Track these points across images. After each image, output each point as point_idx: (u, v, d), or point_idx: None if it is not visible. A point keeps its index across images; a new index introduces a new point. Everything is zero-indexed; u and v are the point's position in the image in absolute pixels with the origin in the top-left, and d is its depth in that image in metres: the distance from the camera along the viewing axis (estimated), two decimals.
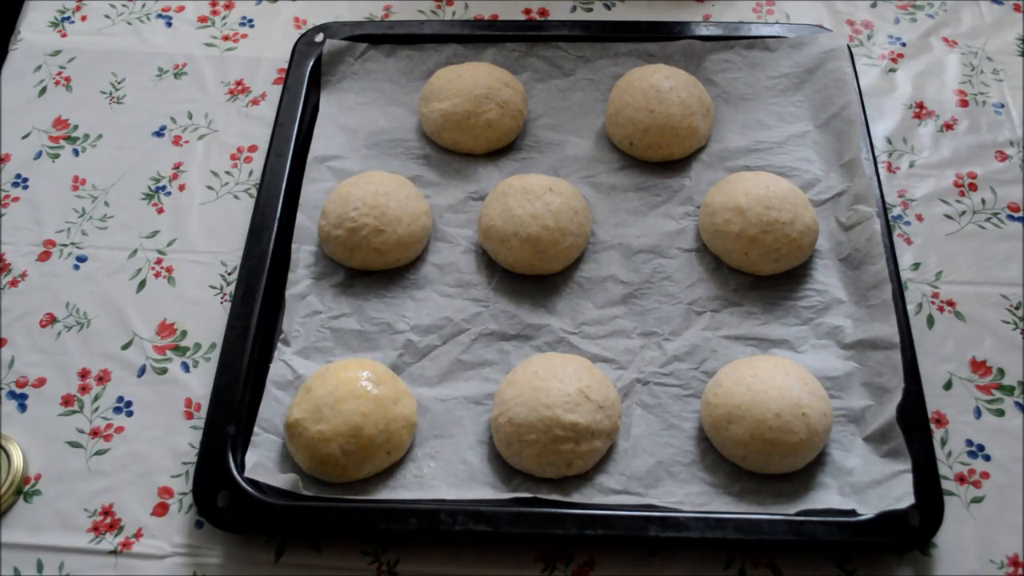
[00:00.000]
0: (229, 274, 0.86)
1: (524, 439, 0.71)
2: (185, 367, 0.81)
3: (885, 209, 0.84)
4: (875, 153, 0.87)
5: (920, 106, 0.95)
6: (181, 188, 0.91)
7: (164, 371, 0.81)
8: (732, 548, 0.71)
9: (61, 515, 0.74)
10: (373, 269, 0.84)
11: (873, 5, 1.03)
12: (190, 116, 0.96)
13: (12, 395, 0.80)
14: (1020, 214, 0.87)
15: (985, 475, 0.74)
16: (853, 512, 0.69)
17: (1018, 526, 0.72)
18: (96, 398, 0.79)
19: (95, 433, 0.78)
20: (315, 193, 0.87)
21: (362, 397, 0.73)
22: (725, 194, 0.83)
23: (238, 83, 0.98)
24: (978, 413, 0.77)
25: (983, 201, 0.88)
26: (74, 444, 0.77)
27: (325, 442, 0.71)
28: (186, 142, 0.94)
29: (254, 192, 0.90)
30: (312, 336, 0.80)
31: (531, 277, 0.83)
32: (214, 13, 1.04)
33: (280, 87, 0.95)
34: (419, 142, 0.92)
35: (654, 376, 0.78)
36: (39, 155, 0.94)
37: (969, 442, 0.76)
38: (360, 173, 0.87)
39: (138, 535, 0.73)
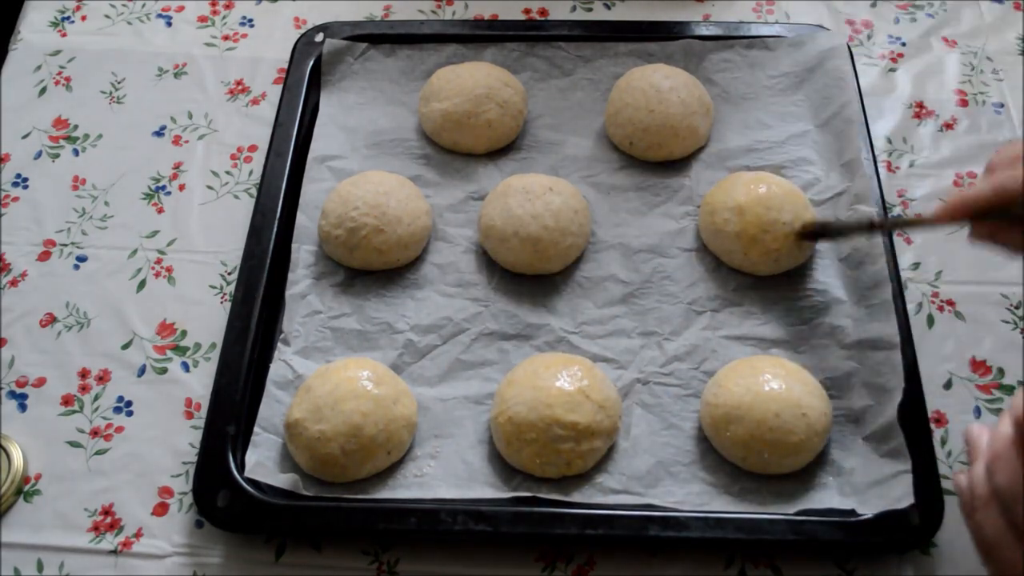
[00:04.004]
0: (229, 274, 0.86)
1: (524, 438, 0.71)
2: (185, 367, 0.81)
3: (885, 209, 0.84)
4: (875, 153, 0.87)
5: (920, 106, 0.95)
6: (181, 188, 0.91)
7: (164, 371, 0.81)
8: (732, 548, 0.71)
9: (61, 515, 0.74)
10: (373, 269, 0.84)
11: (873, 5, 1.03)
12: (190, 116, 0.96)
13: (12, 395, 0.80)
14: None
15: None
16: (853, 512, 0.69)
17: None
18: (96, 398, 0.79)
19: (95, 433, 0.78)
20: (315, 193, 0.87)
21: (362, 397, 0.73)
22: (725, 193, 0.83)
23: (238, 83, 0.98)
24: (978, 413, 0.77)
25: None
26: (74, 444, 0.77)
27: (325, 442, 0.72)
28: (186, 142, 0.94)
29: (254, 192, 0.90)
30: (312, 336, 0.80)
31: (531, 277, 0.83)
32: (214, 13, 1.04)
33: (280, 87, 0.95)
34: (419, 142, 0.92)
35: (654, 376, 0.78)
36: (39, 155, 0.94)
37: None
38: (360, 173, 0.87)
39: (138, 535, 0.73)
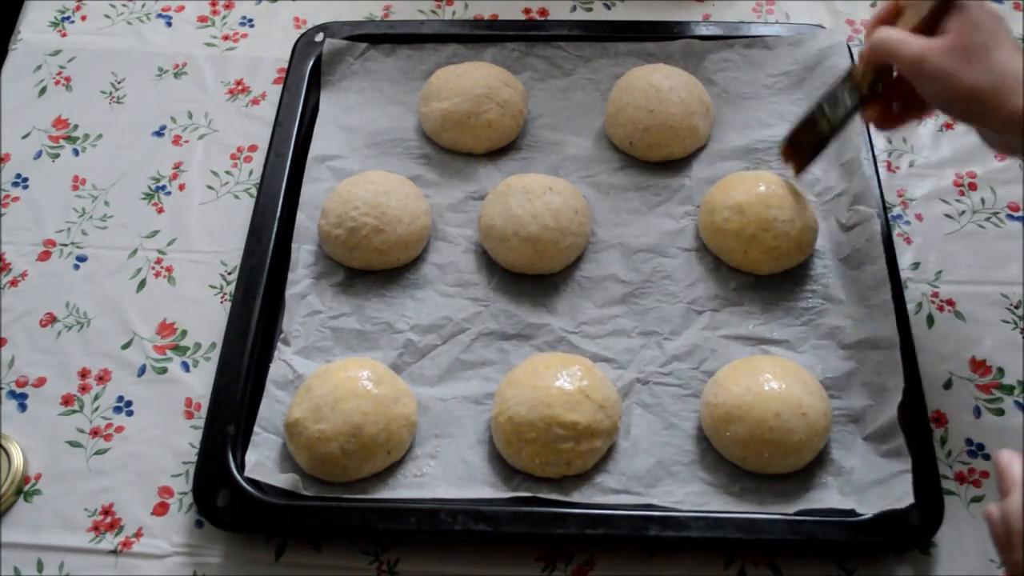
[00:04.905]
0: (229, 274, 0.86)
1: (524, 438, 0.71)
2: (185, 367, 0.81)
3: (885, 209, 0.84)
4: (875, 153, 0.87)
5: None
6: (181, 188, 0.91)
7: (164, 371, 0.81)
8: (732, 548, 0.71)
9: (61, 515, 0.74)
10: (373, 269, 0.84)
11: (873, 5, 1.03)
12: (190, 116, 0.96)
13: (12, 395, 0.80)
14: (1020, 214, 0.87)
15: (985, 474, 0.74)
16: (853, 512, 0.69)
17: None
18: (96, 398, 0.79)
19: (95, 433, 0.78)
20: (315, 193, 0.87)
21: (362, 397, 0.73)
22: (724, 193, 0.83)
23: (238, 83, 0.98)
24: (978, 412, 0.77)
25: (983, 201, 0.88)
26: (74, 444, 0.77)
27: (325, 442, 0.72)
28: (186, 142, 0.94)
29: (254, 192, 0.90)
30: (312, 336, 0.80)
31: (531, 277, 0.83)
32: (214, 13, 1.04)
33: (280, 87, 0.95)
34: (419, 142, 0.92)
35: (654, 376, 0.78)
36: (39, 155, 0.94)
37: (969, 441, 0.76)
38: (360, 173, 0.87)
39: (138, 535, 0.73)
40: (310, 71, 0.95)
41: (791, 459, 0.71)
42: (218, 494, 0.71)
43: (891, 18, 0.69)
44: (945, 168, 0.90)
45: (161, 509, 0.74)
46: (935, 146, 0.92)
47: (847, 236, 0.83)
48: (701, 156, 0.90)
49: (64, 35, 1.03)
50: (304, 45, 0.96)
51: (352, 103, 0.94)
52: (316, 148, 0.90)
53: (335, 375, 0.74)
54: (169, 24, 1.04)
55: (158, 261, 0.87)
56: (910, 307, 0.81)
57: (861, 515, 0.69)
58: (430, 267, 0.85)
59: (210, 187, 0.91)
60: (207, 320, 0.83)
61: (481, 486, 0.73)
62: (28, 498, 0.75)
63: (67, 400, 0.79)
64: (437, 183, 0.90)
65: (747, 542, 0.69)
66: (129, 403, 0.79)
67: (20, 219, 0.90)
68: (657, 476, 0.73)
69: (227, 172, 0.92)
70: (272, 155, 0.89)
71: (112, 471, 0.76)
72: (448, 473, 0.74)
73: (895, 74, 0.71)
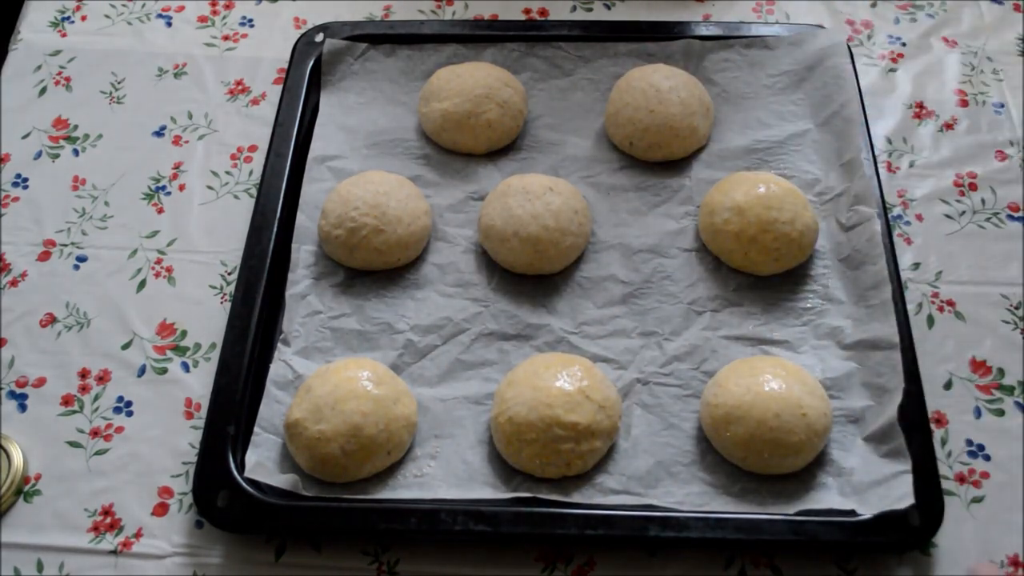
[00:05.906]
0: (229, 274, 0.86)
1: (524, 438, 0.71)
2: (185, 367, 0.81)
3: (885, 209, 0.84)
4: (875, 153, 0.87)
5: (920, 106, 0.95)
6: (181, 188, 0.91)
7: (164, 371, 0.81)
8: (732, 548, 0.71)
9: (61, 515, 0.74)
10: (373, 269, 0.84)
11: (873, 5, 1.03)
12: (190, 116, 0.96)
13: (12, 395, 0.80)
14: (1020, 214, 0.87)
15: (985, 475, 0.74)
16: (853, 512, 0.69)
17: (1018, 526, 0.72)
18: (96, 398, 0.79)
19: (95, 433, 0.78)
20: (315, 193, 0.87)
21: (362, 397, 0.73)
22: (724, 194, 0.83)
23: (238, 83, 0.98)
24: (978, 413, 0.77)
25: (983, 201, 0.88)
26: (74, 444, 0.77)
27: (325, 442, 0.72)
28: (186, 142, 0.94)
29: (254, 192, 0.90)
30: (312, 336, 0.80)
31: (531, 277, 0.83)
32: (214, 13, 1.04)
33: (280, 87, 0.95)
34: (419, 142, 0.92)
35: (654, 376, 0.78)
36: (39, 155, 0.94)
37: (969, 442, 0.76)
38: (360, 173, 0.87)
39: (138, 535, 0.73)
40: (310, 71, 0.95)
41: (791, 459, 0.71)
42: (218, 494, 0.71)
43: None
44: (945, 168, 0.90)
45: (161, 509, 0.74)
46: (935, 146, 0.92)
47: (847, 236, 0.83)
48: (701, 156, 0.90)
49: (64, 35, 1.03)
50: (304, 45, 0.96)
51: (352, 103, 0.94)
52: (316, 148, 0.90)
53: (335, 375, 0.74)
54: (169, 24, 1.04)
55: (158, 261, 0.87)
56: (910, 307, 0.81)
57: (861, 515, 0.69)
58: (430, 267, 0.85)
59: (210, 187, 0.91)
60: (207, 320, 0.83)
61: (481, 486, 0.73)
62: (28, 498, 0.75)
63: (67, 400, 0.79)
64: (437, 183, 0.90)
65: (747, 542, 0.69)
66: (129, 403, 0.79)
67: (20, 219, 0.90)
68: (657, 476, 0.73)
69: (227, 172, 0.92)
70: (272, 155, 0.89)
71: (112, 471, 0.76)
72: (448, 473, 0.74)
73: None
